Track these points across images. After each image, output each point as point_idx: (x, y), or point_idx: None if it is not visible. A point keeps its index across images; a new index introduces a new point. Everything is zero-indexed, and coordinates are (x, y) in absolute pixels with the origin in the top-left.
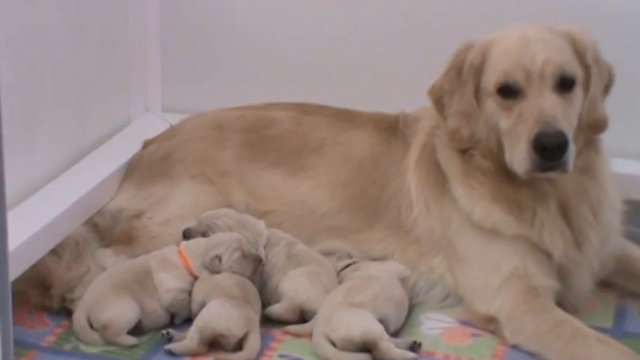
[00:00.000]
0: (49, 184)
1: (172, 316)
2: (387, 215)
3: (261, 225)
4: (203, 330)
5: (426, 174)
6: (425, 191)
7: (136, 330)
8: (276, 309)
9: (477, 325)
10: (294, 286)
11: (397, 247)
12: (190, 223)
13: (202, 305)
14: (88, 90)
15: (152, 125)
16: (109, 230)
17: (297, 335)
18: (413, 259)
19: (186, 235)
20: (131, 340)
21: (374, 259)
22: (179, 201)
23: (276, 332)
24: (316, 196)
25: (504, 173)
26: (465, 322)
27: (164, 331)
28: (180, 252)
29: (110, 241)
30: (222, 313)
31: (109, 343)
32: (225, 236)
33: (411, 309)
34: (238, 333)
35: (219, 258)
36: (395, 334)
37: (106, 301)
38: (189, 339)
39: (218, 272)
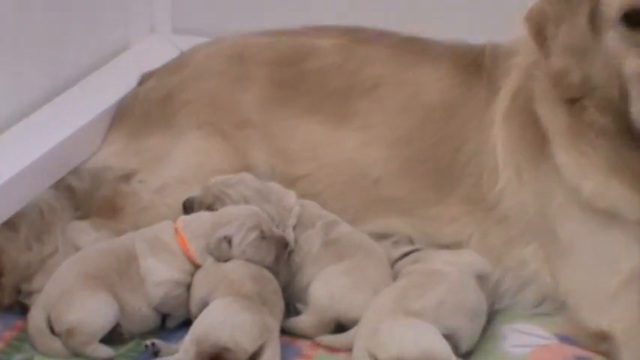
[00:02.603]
0: (7, 131)
1: (163, 318)
2: (462, 185)
3: (290, 197)
4: (202, 341)
5: (519, 131)
6: (516, 154)
7: (113, 337)
8: (304, 322)
9: (583, 342)
10: (330, 290)
11: (475, 230)
12: (194, 192)
13: (203, 305)
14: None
15: (157, 51)
16: (86, 197)
17: (332, 349)
18: (496, 248)
19: (187, 207)
20: (104, 351)
21: (442, 247)
22: (181, 160)
23: (303, 344)
24: (367, 156)
25: (628, 135)
26: (566, 339)
27: (148, 342)
28: (177, 230)
29: (88, 211)
30: (228, 318)
31: (75, 354)
32: (239, 211)
33: (492, 318)
34: (250, 347)
35: (228, 240)
36: (467, 355)
37: (74, 295)
38: (182, 353)
39: (227, 260)
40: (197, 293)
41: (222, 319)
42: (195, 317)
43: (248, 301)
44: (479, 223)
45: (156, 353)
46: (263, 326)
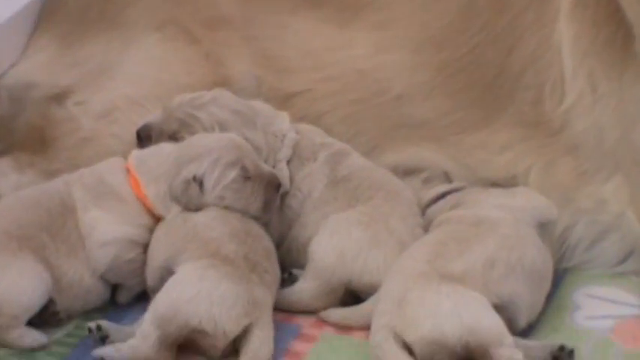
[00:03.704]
0: None
1: (113, 290)
2: (516, 102)
3: (282, 120)
4: (167, 322)
5: (592, 26)
6: (589, 58)
7: (46, 317)
8: (304, 292)
9: None
10: (339, 247)
11: (535, 162)
12: (151, 116)
13: (166, 273)
14: None
15: None
16: (4, 125)
17: (343, 328)
18: (564, 185)
19: (143, 137)
20: (33, 337)
21: (491, 185)
22: (133, 73)
23: (304, 322)
24: (386, 65)
25: None
26: None
27: (92, 325)
28: (129, 170)
29: (7, 145)
30: (203, 289)
31: None
32: (213, 141)
33: (559, 280)
34: (232, 328)
35: (199, 181)
36: (527, 331)
37: None
38: (140, 338)
39: (198, 209)
40: (157, 257)
41: (194, 291)
42: (155, 290)
43: (229, 266)
44: (539, 153)
45: (103, 339)
46: (250, 300)
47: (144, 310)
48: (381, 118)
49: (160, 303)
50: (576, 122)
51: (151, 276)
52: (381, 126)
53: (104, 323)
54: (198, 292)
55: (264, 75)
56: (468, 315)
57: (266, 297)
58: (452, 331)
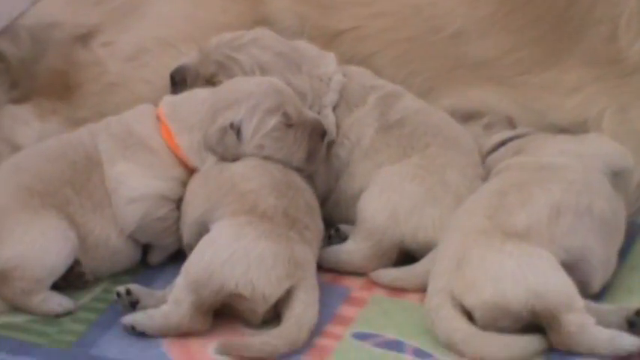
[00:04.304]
0: None
1: (144, 251)
2: (587, 38)
3: (328, 61)
4: (201, 286)
5: None
6: None
7: (71, 280)
8: (353, 252)
9: None
10: (391, 202)
11: (608, 105)
12: (186, 58)
13: (201, 231)
14: None
15: None
16: (25, 69)
17: (396, 290)
18: None
19: (177, 81)
20: (59, 302)
21: (558, 130)
22: (164, 10)
23: (353, 284)
24: None
25: None
26: None
27: (121, 289)
28: (160, 118)
29: (28, 90)
30: (239, 249)
31: (15, 307)
32: (252, 85)
33: (633, 236)
34: (273, 291)
35: (236, 129)
36: (601, 294)
37: (9, 221)
38: (173, 304)
39: (235, 159)
40: (192, 212)
41: (229, 252)
42: (192, 248)
43: (268, 224)
44: (613, 95)
45: (133, 304)
46: (291, 260)
47: (177, 272)
48: (436, 58)
49: (192, 266)
50: None
51: (186, 232)
52: (437, 66)
53: (134, 287)
54: (233, 252)
55: (307, 12)
56: (534, 276)
57: (307, 256)
58: (516, 294)
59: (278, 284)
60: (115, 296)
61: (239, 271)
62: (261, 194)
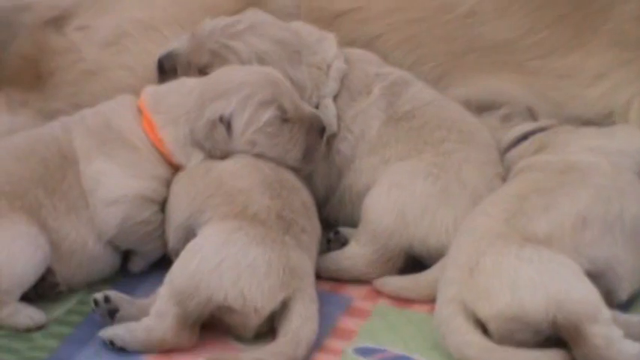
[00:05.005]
0: None
1: (124, 258)
2: (613, 18)
3: (327, 45)
4: (187, 297)
5: None
6: None
7: (44, 290)
8: (355, 257)
9: None
10: (398, 202)
11: (638, 93)
12: (176, 43)
13: (187, 235)
14: None
15: None
16: None
17: (402, 300)
18: None
19: (167, 68)
20: (30, 315)
21: (583, 123)
22: None
23: (356, 293)
24: None
25: None
26: None
27: (99, 296)
28: (142, 110)
29: None
30: (227, 257)
31: None
32: (243, 74)
33: None
34: (266, 304)
35: (226, 122)
36: (629, 304)
37: None
38: (155, 317)
39: (224, 156)
40: (177, 215)
41: (217, 259)
42: (176, 256)
43: (260, 227)
44: None
45: (112, 313)
46: (287, 269)
47: (161, 281)
48: (448, 41)
49: (177, 275)
50: None
51: (172, 237)
52: (449, 50)
53: (113, 294)
54: (222, 260)
55: None
56: (555, 284)
57: (305, 262)
58: (535, 305)
59: (272, 296)
60: (91, 306)
61: (228, 281)
62: (252, 194)
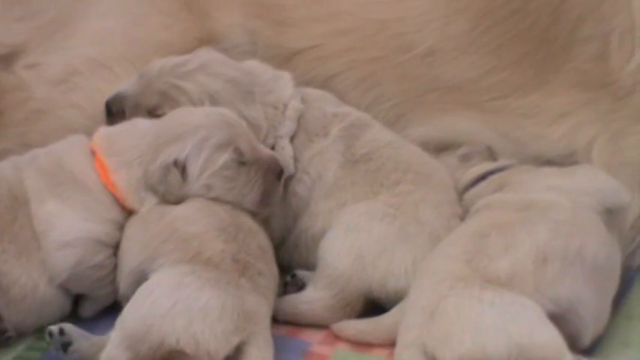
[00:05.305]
0: None
1: (75, 302)
2: (576, 56)
3: (283, 84)
4: (138, 342)
5: None
6: None
7: None
8: (313, 301)
9: None
10: (356, 246)
11: (600, 132)
12: (124, 84)
13: (138, 280)
14: None
15: None
16: None
17: (361, 344)
18: (637, 162)
19: (114, 110)
20: None
21: (544, 163)
22: (98, 27)
23: (313, 337)
24: (411, 12)
25: None
26: None
27: (54, 328)
28: (94, 152)
29: None
30: (181, 300)
31: None
32: (198, 116)
33: (628, 282)
34: (219, 348)
35: (181, 166)
36: (590, 349)
37: None
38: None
39: (179, 201)
40: (129, 260)
41: (169, 303)
42: (127, 301)
43: (214, 271)
44: (605, 121)
45: (65, 346)
46: (240, 311)
47: (112, 326)
48: (406, 80)
49: (128, 318)
50: None
51: (123, 282)
52: (407, 90)
53: (68, 327)
54: (174, 303)
55: (259, 28)
56: (518, 329)
57: (261, 306)
58: (497, 348)
59: (225, 340)
60: (47, 337)
61: (180, 325)
62: (206, 239)
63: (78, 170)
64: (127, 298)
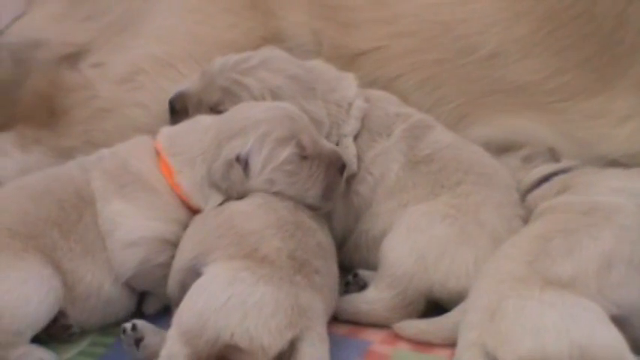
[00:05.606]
0: None
1: (141, 298)
2: (639, 60)
3: (348, 84)
4: (194, 337)
5: None
6: None
7: (56, 332)
8: (373, 301)
9: None
10: (418, 247)
11: None
12: (187, 82)
13: (186, 279)
14: None
15: None
16: (5, 92)
17: (422, 344)
18: None
19: (178, 108)
20: (39, 357)
21: (607, 164)
22: (162, 26)
23: (373, 336)
24: (475, 15)
25: None
26: None
27: (128, 325)
28: (158, 152)
29: (10, 117)
30: (233, 296)
31: None
32: (261, 111)
33: None
34: (273, 343)
35: (243, 162)
36: None
37: None
38: (166, 358)
39: (241, 196)
40: (183, 254)
41: (223, 298)
42: (175, 300)
43: (269, 268)
44: None
45: (138, 341)
46: (295, 307)
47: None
48: (469, 82)
49: (184, 314)
50: None
51: (171, 279)
52: (470, 92)
53: (140, 323)
54: (228, 298)
55: (325, 29)
56: (579, 330)
57: (315, 303)
58: (558, 349)
59: (279, 334)
60: (121, 333)
61: (234, 320)
62: (264, 236)
63: (144, 171)
64: (173, 296)
